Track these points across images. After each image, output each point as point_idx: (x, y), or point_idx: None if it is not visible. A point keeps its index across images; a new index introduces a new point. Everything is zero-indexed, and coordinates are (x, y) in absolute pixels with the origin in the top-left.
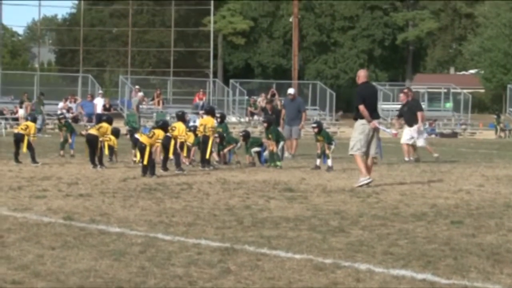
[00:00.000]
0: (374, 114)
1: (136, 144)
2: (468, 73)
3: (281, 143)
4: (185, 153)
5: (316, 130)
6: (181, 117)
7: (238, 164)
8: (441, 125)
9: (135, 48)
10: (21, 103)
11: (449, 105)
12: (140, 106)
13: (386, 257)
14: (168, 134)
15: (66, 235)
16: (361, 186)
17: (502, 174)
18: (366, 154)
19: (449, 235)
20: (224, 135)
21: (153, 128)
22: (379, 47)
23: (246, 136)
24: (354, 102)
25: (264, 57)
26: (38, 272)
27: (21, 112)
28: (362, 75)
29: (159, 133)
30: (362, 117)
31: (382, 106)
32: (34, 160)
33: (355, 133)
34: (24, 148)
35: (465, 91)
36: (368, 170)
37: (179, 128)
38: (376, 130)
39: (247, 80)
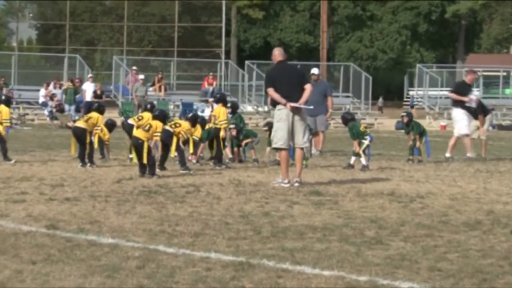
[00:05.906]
0: (294, 97)
1: (130, 133)
2: None
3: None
4: (191, 149)
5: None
6: (192, 120)
7: (256, 163)
8: (500, 116)
9: (131, 23)
10: (0, 89)
11: (509, 91)
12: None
13: (433, 274)
14: (168, 128)
15: (49, 247)
16: (276, 186)
17: None
18: (294, 144)
19: (509, 248)
20: (242, 126)
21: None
22: (424, 22)
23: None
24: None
25: (287, 34)
26: None
27: None
28: (276, 54)
29: (157, 124)
30: (278, 103)
31: (429, 92)
32: (6, 157)
33: (274, 121)
34: None
35: None
36: (287, 168)
37: (184, 126)
38: (296, 112)
39: (266, 62)
